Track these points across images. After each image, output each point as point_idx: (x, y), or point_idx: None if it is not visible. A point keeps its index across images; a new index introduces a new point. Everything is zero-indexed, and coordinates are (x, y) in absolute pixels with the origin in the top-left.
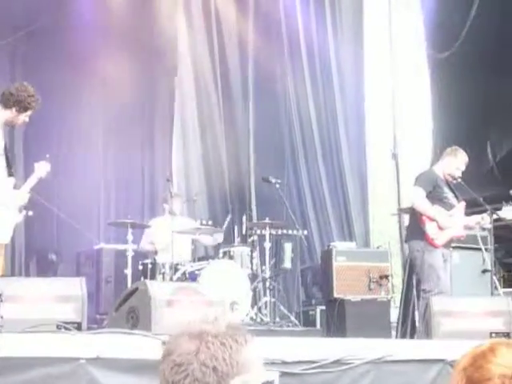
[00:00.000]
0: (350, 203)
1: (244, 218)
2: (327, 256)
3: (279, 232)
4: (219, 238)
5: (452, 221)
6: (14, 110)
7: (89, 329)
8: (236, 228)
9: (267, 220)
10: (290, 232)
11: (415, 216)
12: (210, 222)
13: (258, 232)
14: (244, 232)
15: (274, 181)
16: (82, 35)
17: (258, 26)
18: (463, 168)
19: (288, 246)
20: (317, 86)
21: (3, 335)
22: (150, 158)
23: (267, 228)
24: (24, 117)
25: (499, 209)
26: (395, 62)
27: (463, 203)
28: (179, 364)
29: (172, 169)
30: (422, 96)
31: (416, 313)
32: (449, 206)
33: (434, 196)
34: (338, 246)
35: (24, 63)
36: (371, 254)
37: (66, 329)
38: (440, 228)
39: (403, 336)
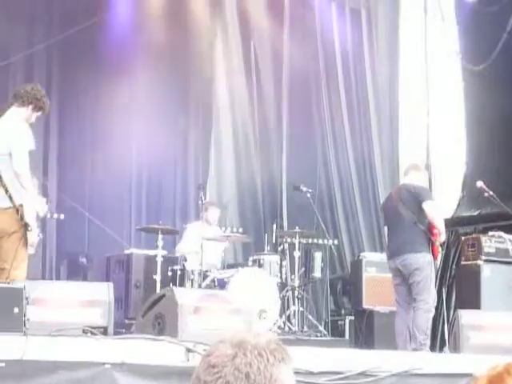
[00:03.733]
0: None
1: (274, 226)
2: (357, 266)
3: (309, 241)
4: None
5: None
6: (30, 107)
7: (116, 334)
8: (266, 236)
9: (297, 229)
10: (320, 241)
11: (424, 228)
12: (240, 230)
13: (288, 240)
14: (274, 240)
15: (305, 189)
16: (118, 47)
17: (293, 38)
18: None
19: (318, 255)
20: (351, 98)
21: (30, 338)
22: (182, 163)
23: (297, 237)
24: (35, 117)
25: None
26: (430, 75)
27: None
28: (214, 365)
29: (207, 176)
30: (456, 109)
31: (445, 326)
32: None
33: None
34: (368, 256)
35: (60, 69)
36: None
37: (92, 333)
38: (439, 242)
39: (432, 349)
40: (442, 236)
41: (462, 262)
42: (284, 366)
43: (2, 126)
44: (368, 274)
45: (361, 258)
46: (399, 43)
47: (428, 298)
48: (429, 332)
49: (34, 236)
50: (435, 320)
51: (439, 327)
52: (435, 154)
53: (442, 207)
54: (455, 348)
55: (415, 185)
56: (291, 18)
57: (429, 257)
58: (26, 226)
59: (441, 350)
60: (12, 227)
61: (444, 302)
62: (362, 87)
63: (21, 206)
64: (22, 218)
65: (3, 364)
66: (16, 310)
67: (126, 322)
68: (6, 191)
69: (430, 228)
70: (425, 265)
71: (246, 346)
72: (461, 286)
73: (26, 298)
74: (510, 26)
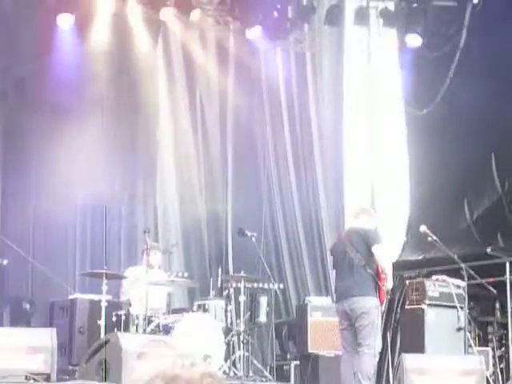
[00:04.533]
0: (327, 258)
1: (220, 270)
2: (302, 311)
3: (255, 285)
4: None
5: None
6: None
7: (59, 380)
8: (212, 280)
9: (243, 273)
10: (265, 286)
11: (372, 272)
12: (185, 275)
13: (234, 285)
14: (219, 285)
15: (249, 234)
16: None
17: (238, 83)
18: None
19: (263, 300)
20: (296, 143)
21: None
22: (128, 207)
23: (242, 281)
24: None
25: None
26: (374, 120)
27: None
28: None
29: (153, 220)
30: (399, 153)
31: (390, 370)
32: None
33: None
34: (314, 300)
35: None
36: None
37: (34, 380)
38: (385, 286)
39: None
40: (388, 281)
41: (407, 306)
42: None
43: None
44: (313, 318)
45: (306, 302)
46: (344, 87)
47: (373, 342)
48: (373, 377)
49: None
50: (380, 364)
51: (384, 371)
52: (379, 198)
53: (388, 251)
54: None
55: (365, 228)
56: (236, 63)
57: (376, 301)
58: None
59: None
60: None
61: (389, 345)
62: (307, 132)
63: None
64: None
65: None
66: None
67: (70, 368)
68: None
69: (377, 272)
70: (372, 309)
71: (179, 382)
72: (405, 330)
73: None
74: (453, 72)
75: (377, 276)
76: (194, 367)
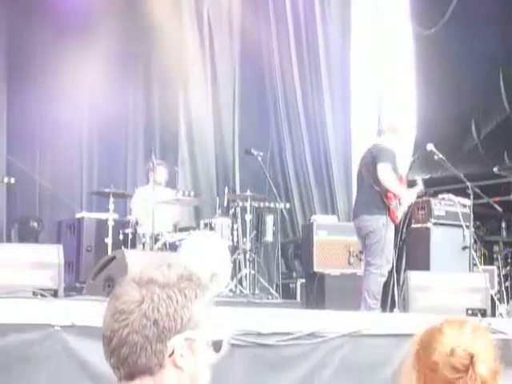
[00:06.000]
0: (334, 177)
1: (226, 189)
2: (308, 230)
3: (261, 204)
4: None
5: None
6: None
7: (66, 296)
8: (218, 199)
9: (249, 192)
10: (272, 205)
11: (378, 191)
12: (192, 193)
13: (240, 204)
14: (226, 204)
15: (256, 153)
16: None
17: (245, 3)
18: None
19: (269, 219)
20: (303, 60)
21: None
22: (134, 126)
23: (249, 200)
24: None
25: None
26: (381, 39)
27: (404, 179)
28: (120, 311)
29: (157, 139)
30: (407, 73)
31: (396, 288)
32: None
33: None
34: (319, 219)
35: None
36: (352, 228)
37: (41, 295)
38: (400, 204)
39: (382, 311)
40: (401, 199)
41: (413, 225)
42: (197, 303)
43: None
44: (319, 236)
45: (312, 221)
46: (351, 5)
47: (380, 262)
48: (379, 296)
49: None
50: (386, 283)
51: (389, 290)
52: (386, 117)
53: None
54: (404, 309)
55: (379, 146)
56: None
57: (383, 219)
58: None
59: (391, 311)
60: None
61: (394, 264)
62: (313, 51)
63: None
64: None
65: None
66: None
67: (77, 285)
68: None
69: (385, 190)
70: (378, 228)
71: (153, 288)
72: (411, 249)
73: None
74: None
75: (384, 194)
76: (171, 269)
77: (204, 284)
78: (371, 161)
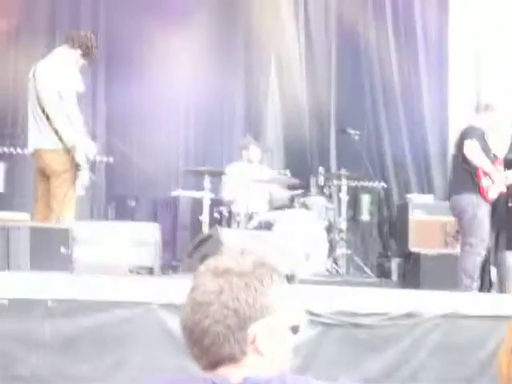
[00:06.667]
0: (430, 156)
1: (321, 168)
2: (403, 209)
3: (357, 184)
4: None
5: (499, 176)
6: (79, 52)
7: (163, 274)
8: (313, 179)
9: (344, 171)
10: (368, 184)
11: (468, 169)
12: (287, 172)
13: (336, 183)
14: (321, 183)
15: (352, 132)
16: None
17: None
18: (501, 125)
19: (365, 198)
20: (399, 37)
21: (76, 277)
22: (229, 105)
23: (344, 179)
24: (80, 64)
25: None
26: (481, 21)
27: (500, 160)
28: (200, 303)
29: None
30: (508, 55)
31: (492, 267)
32: (491, 162)
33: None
34: (415, 198)
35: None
36: (448, 207)
37: (138, 273)
38: (492, 182)
39: (479, 291)
40: (492, 176)
41: (510, 204)
42: (275, 288)
43: (49, 65)
44: (414, 216)
45: (407, 200)
46: None
47: (474, 240)
48: (475, 276)
49: (84, 177)
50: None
51: (487, 269)
52: (484, 94)
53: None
54: (501, 290)
55: (471, 125)
56: None
57: (473, 198)
58: (77, 167)
59: (488, 292)
60: (62, 167)
61: (493, 243)
62: (410, 27)
63: (73, 147)
64: (73, 159)
65: (52, 303)
66: (63, 249)
67: (174, 263)
68: (57, 133)
69: (474, 168)
70: (468, 207)
71: (231, 278)
72: (510, 228)
73: (73, 238)
74: None
75: (475, 172)
76: (245, 257)
77: (279, 270)
78: (459, 139)
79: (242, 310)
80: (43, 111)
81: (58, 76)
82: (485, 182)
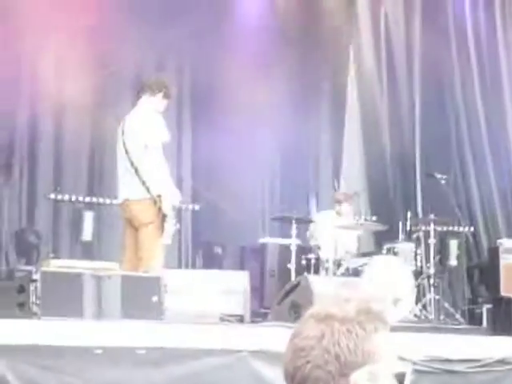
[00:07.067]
0: None
1: (409, 213)
2: (494, 253)
3: (444, 228)
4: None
5: None
6: (160, 95)
7: (252, 322)
8: (400, 224)
9: (432, 216)
10: (455, 229)
11: None
12: (373, 218)
13: (423, 228)
14: (408, 228)
15: (439, 176)
16: (247, 36)
17: (425, 21)
18: None
19: (453, 243)
20: (485, 83)
21: (167, 326)
22: (316, 153)
23: (432, 224)
24: (164, 106)
25: None
26: None
27: None
28: (301, 348)
29: (339, 165)
30: None
31: None
32: None
33: None
34: (506, 243)
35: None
36: None
37: (229, 321)
38: None
39: None
40: None
41: None
42: (377, 336)
43: (135, 118)
44: (505, 261)
45: (498, 244)
46: None
47: None
48: None
49: (170, 226)
50: None
51: None
52: None
53: None
54: None
55: None
56: (423, 7)
57: None
58: (163, 217)
59: None
60: (149, 218)
61: None
62: (496, 73)
63: (159, 196)
64: (160, 209)
65: (144, 351)
66: (155, 298)
67: (262, 310)
68: (144, 183)
69: None
70: None
71: (332, 323)
72: None
73: (164, 287)
74: None
75: None
76: (349, 304)
77: (384, 316)
78: None
79: (343, 356)
80: (132, 164)
81: (144, 128)
82: None
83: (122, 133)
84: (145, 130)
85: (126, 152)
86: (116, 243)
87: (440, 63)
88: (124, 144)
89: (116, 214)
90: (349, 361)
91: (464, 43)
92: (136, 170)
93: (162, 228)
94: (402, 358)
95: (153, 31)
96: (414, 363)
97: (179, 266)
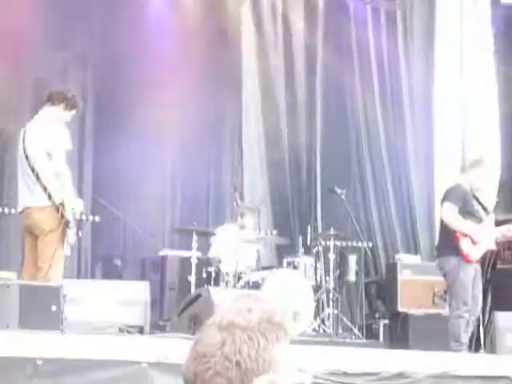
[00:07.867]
0: (416, 216)
1: (309, 228)
2: (392, 269)
3: (344, 244)
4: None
5: (484, 235)
6: (61, 106)
7: (151, 334)
8: (301, 238)
9: (332, 231)
10: (354, 244)
11: (447, 232)
12: (274, 232)
13: (323, 243)
14: (308, 243)
15: (339, 191)
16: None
17: (327, 39)
18: (491, 178)
19: (352, 258)
20: (386, 100)
21: (66, 337)
22: (216, 166)
23: (332, 239)
24: (69, 116)
25: None
26: (465, 78)
27: (492, 215)
28: (202, 355)
29: (240, 178)
30: (491, 112)
31: (481, 328)
32: (478, 220)
33: (464, 210)
34: (404, 259)
35: (94, 70)
36: (436, 268)
37: (128, 332)
38: (474, 243)
39: (468, 351)
40: (472, 237)
41: (499, 266)
42: (278, 346)
43: (37, 126)
44: (403, 276)
45: (396, 260)
46: (435, 45)
47: (457, 304)
48: (460, 338)
49: (72, 235)
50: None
51: (474, 330)
52: (470, 154)
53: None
54: (491, 351)
55: (450, 187)
56: (326, 21)
57: (455, 261)
58: (66, 224)
59: (476, 352)
60: (50, 226)
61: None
62: (397, 90)
63: (61, 204)
64: (62, 216)
65: (41, 362)
66: (53, 308)
67: (161, 323)
68: (45, 190)
69: (453, 230)
70: (450, 270)
71: (234, 331)
72: (497, 289)
73: (64, 297)
74: None
75: (453, 235)
76: (252, 312)
77: (285, 327)
78: (441, 202)
79: (243, 364)
80: (33, 170)
81: (45, 135)
82: (464, 243)
83: (23, 140)
84: (46, 137)
85: (27, 158)
86: (15, 252)
87: (341, 79)
88: (25, 150)
89: (15, 222)
90: (249, 368)
91: (366, 60)
92: (37, 177)
93: (62, 237)
94: (301, 370)
95: (58, 34)
96: (315, 376)
97: (78, 277)
